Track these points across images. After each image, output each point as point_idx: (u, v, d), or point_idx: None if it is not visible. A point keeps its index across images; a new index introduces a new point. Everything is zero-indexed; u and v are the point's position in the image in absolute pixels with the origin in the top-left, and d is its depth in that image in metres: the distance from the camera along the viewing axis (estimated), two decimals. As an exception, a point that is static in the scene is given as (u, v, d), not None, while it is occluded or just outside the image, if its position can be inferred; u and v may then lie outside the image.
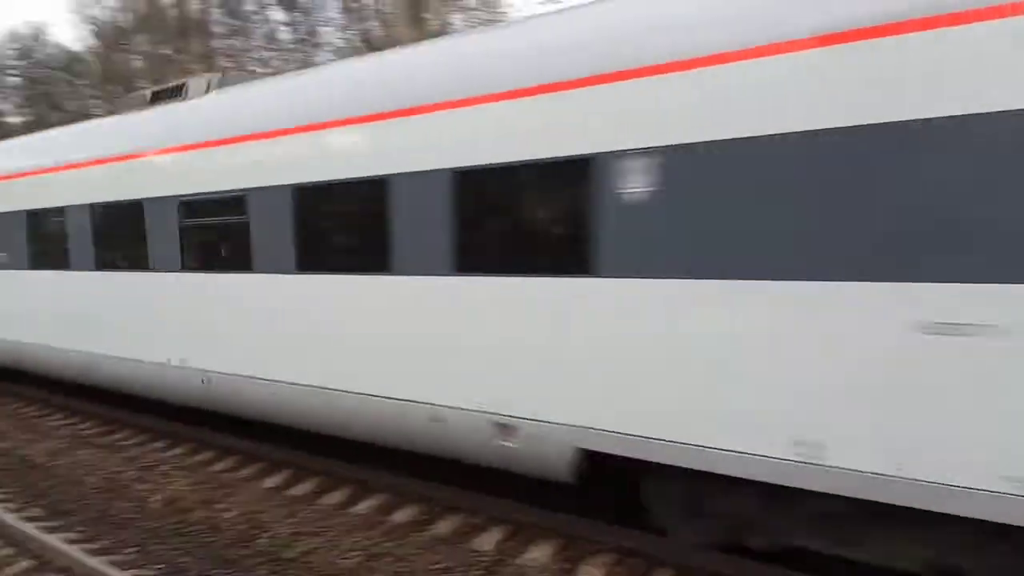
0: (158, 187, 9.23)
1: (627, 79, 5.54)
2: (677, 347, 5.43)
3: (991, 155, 4.25)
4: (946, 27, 4.35)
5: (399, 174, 6.88)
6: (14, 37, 43.07)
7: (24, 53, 43.77)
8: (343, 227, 7.62)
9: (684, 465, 5.45)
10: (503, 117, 6.20)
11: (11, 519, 7.37)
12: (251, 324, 8.43)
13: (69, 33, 41.45)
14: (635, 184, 5.50)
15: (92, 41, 40.49)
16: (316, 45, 35.76)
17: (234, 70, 35.11)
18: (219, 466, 9.24)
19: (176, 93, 9.97)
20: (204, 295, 8.93)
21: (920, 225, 4.46)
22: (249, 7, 37.48)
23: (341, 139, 7.41)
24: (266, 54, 37.36)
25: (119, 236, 9.89)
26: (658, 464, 5.63)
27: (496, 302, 6.35)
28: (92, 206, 10.31)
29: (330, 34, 35.60)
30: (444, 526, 7.22)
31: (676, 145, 5.30)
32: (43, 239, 11.35)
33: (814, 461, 4.89)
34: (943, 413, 4.47)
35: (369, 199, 7.09)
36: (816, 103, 4.77)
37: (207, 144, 8.69)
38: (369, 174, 7.12)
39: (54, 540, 6.88)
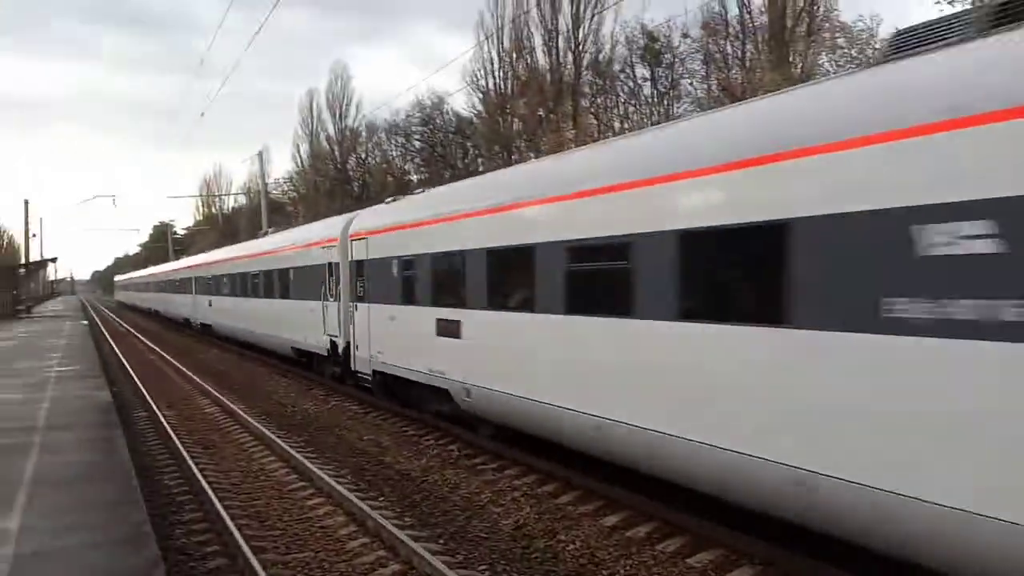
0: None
1: None
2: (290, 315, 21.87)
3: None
4: None
5: None
6: (419, 106, 50.01)
7: (425, 120, 50.59)
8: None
9: (313, 351, 20.00)
10: None
11: (390, 526, 8.37)
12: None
13: (462, 101, 47.33)
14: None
15: (480, 107, 45.59)
16: (676, 97, 36.56)
17: (600, 125, 37.16)
18: (563, 499, 9.63)
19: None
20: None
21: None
22: (616, 66, 39.58)
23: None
24: (628, 109, 39.01)
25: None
26: (308, 351, 20.54)
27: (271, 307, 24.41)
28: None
29: (691, 85, 36.17)
30: (784, 593, 6.76)
31: None
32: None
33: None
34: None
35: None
36: None
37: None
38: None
39: (421, 548, 7.68)
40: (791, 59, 30.64)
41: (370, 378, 16.12)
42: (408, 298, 13.85)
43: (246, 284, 27.00)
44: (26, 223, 57.95)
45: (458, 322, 11.84)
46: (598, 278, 8.88)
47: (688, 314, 7.46)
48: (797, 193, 6.32)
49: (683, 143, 8.31)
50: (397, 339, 14.46)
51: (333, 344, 18.29)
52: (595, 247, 8.79)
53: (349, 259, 17.16)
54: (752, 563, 7.33)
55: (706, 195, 7.31)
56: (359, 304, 16.48)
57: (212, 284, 33.14)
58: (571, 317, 9.20)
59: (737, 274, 7.20)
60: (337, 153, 63.58)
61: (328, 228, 19.69)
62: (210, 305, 33.43)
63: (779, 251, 6.35)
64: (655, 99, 37.72)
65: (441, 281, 12.68)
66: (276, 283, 23.16)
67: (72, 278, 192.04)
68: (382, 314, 15.03)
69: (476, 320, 11.47)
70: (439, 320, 12.44)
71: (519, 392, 10.32)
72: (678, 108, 35.25)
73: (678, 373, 7.63)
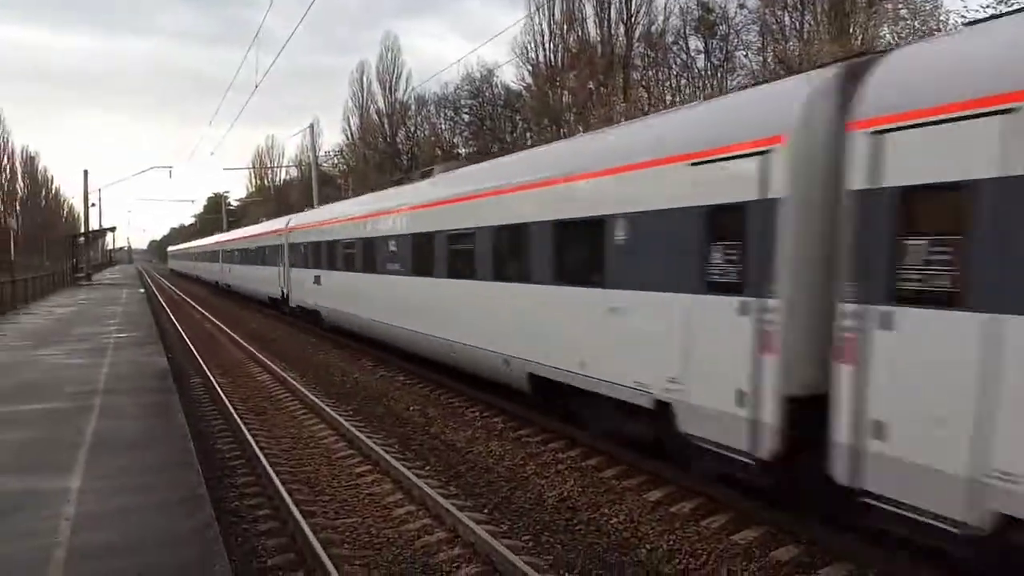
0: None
1: None
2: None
3: None
4: None
5: None
6: (468, 79, 49.91)
7: (474, 93, 50.49)
8: None
9: (275, 297, 31.61)
10: None
11: (436, 495, 8.51)
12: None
13: (511, 74, 47.16)
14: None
15: (529, 80, 45.27)
16: (731, 70, 35.89)
17: (650, 99, 36.64)
18: (608, 473, 9.67)
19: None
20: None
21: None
22: (669, 38, 38.93)
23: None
24: (681, 82, 38.39)
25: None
26: (274, 298, 32.19)
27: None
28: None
29: (745, 58, 35.43)
30: (829, 574, 6.71)
31: None
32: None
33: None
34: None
35: None
36: None
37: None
38: None
39: (466, 518, 7.80)
40: (851, 31, 29.78)
41: (297, 312, 27.98)
42: (305, 265, 26.01)
43: (246, 255, 38.83)
44: (85, 193, 59.58)
45: (319, 276, 24.18)
46: (357, 255, 20.07)
47: (406, 270, 16.62)
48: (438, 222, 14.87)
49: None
50: (303, 287, 26.51)
51: (283, 292, 29.95)
52: (350, 242, 20.72)
53: (287, 242, 28.92)
54: (797, 542, 7.29)
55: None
56: (292, 269, 28.44)
57: (229, 255, 45.30)
58: (346, 272, 21.10)
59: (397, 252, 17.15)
60: (387, 126, 63.90)
61: (279, 223, 32.59)
62: (229, 271, 45.30)
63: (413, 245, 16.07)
64: (708, 72, 37.10)
65: (315, 256, 24.71)
66: (260, 255, 34.84)
67: (129, 247, 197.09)
68: (299, 274, 27.20)
69: (325, 275, 23.51)
70: (314, 276, 24.73)
71: (342, 309, 21.85)
72: (732, 81, 34.59)
73: (381, 297, 18.19)
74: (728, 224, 7.47)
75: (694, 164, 7.88)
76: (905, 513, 5.86)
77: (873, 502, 6.11)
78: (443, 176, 16.05)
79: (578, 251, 10.09)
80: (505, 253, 12.03)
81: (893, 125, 5.93)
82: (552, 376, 10.60)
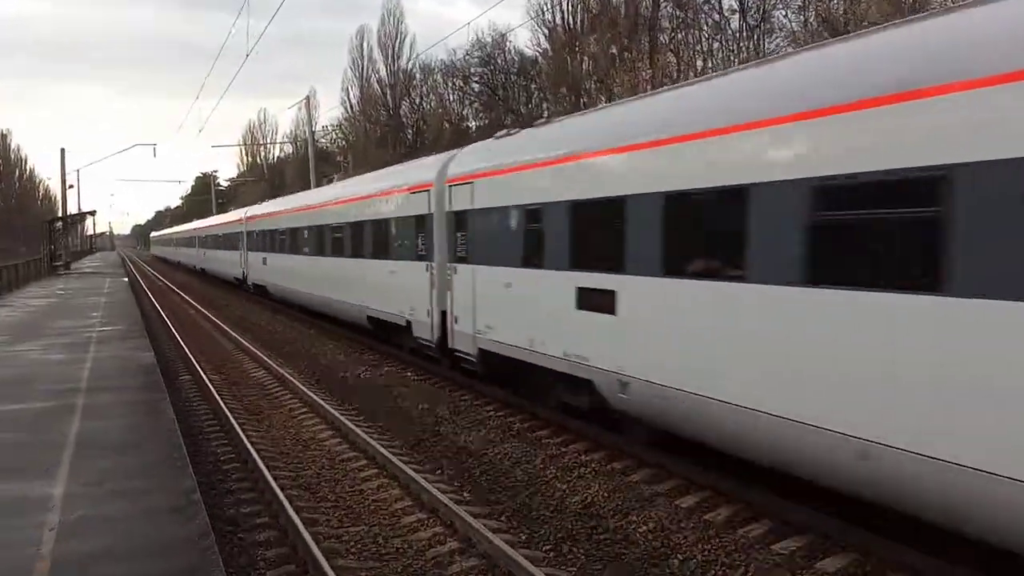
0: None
1: None
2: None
3: None
4: None
5: None
6: (478, 45, 49.73)
7: (485, 60, 50.33)
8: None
9: (238, 279, 40.07)
10: None
11: (448, 501, 8.55)
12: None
13: (525, 37, 47.07)
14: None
15: (545, 45, 45.10)
16: (768, 32, 35.52)
17: (680, 64, 36.35)
18: (635, 477, 9.66)
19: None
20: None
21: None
22: (699, -2, 38.56)
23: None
24: (713, 45, 38.06)
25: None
26: (237, 279, 40.43)
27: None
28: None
29: (784, 18, 35.04)
30: (881, 585, 6.69)
31: None
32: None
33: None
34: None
35: None
36: None
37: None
38: None
39: (480, 526, 7.82)
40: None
41: (252, 289, 35.51)
42: (258, 250, 33.50)
43: (218, 242, 47.08)
44: (63, 174, 59.98)
45: (266, 258, 31.80)
46: (287, 241, 28.43)
47: (310, 251, 25.20)
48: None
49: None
50: (257, 268, 34.00)
51: (243, 272, 37.41)
52: (283, 231, 29.04)
53: (246, 230, 36.61)
54: (845, 551, 7.26)
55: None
56: (249, 253, 36.11)
57: (204, 241, 53.61)
58: (280, 254, 29.40)
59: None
60: (389, 97, 63.86)
61: (239, 213, 41.46)
62: (204, 255, 53.51)
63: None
64: (744, 34, 36.75)
65: (262, 242, 32.58)
66: (227, 241, 42.75)
67: (111, 232, 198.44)
68: (254, 257, 34.64)
69: (269, 257, 31.30)
70: (263, 258, 32.41)
71: (279, 283, 29.56)
72: (769, 44, 34.28)
73: (300, 272, 26.43)
74: (420, 224, 15.81)
75: (411, 193, 16.42)
76: (465, 356, 14.10)
77: (458, 354, 14.31)
78: (337, 183, 26.10)
79: (379, 237, 18.52)
80: (354, 239, 20.31)
81: (452, 183, 14.38)
82: (376, 315, 18.55)
